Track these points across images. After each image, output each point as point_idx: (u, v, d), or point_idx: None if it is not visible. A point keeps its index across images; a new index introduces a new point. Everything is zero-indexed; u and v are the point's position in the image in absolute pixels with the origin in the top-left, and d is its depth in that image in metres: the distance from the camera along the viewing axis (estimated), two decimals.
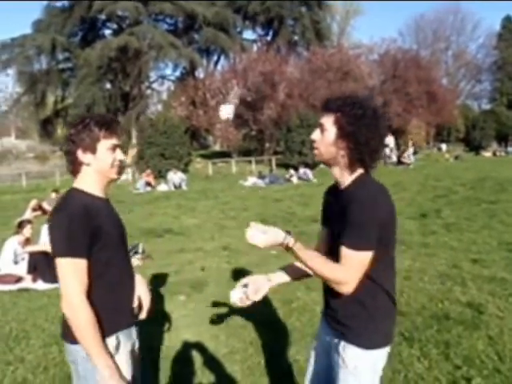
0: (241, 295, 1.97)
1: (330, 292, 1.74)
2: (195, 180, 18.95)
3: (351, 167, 1.73)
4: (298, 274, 2.09)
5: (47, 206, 11.67)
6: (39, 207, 11.71)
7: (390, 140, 25.75)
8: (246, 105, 26.10)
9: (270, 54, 26.72)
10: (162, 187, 16.97)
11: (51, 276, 5.46)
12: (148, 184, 17.02)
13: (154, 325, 3.99)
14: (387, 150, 25.64)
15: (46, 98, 32.91)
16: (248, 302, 1.97)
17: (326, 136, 1.71)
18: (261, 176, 17.85)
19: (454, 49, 46.63)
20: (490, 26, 62.13)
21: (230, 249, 6.88)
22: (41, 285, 5.49)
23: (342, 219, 1.65)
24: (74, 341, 1.67)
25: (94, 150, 1.73)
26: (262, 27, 36.91)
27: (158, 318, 4.18)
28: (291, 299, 4.49)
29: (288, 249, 1.66)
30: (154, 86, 36.79)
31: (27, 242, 6.23)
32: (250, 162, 23.98)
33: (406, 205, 10.13)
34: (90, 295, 1.67)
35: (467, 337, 3.49)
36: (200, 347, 3.57)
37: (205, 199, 13.26)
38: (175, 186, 16.90)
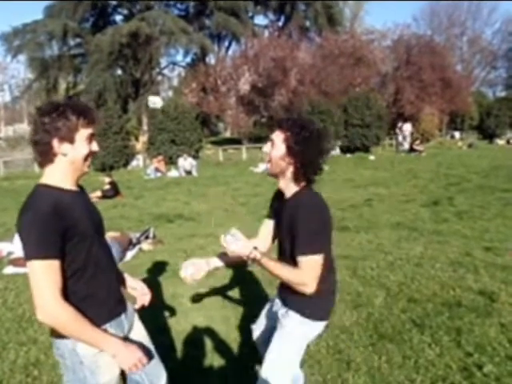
0: (193, 271, 2.21)
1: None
2: (206, 166, 18.96)
3: (296, 181, 2.00)
4: (230, 262, 2.38)
5: None
6: None
7: (407, 127, 25.48)
8: (257, 91, 25.94)
9: (282, 39, 26.46)
10: (173, 173, 17.01)
11: None
12: (158, 170, 17.06)
13: (166, 308, 4.04)
14: (400, 137, 25.41)
15: (57, 84, 33.03)
16: (193, 280, 2.22)
17: (276, 151, 1.97)
18: None
19: (469, 34, 45.79)
20: (507, 10, 60.92)
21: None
22: None
23: (291, 227, 1.93)
24: (59, 335, 1.66)
25: (72, 140, 1.62)
26: (274, 12, 36.53)
27: (169, 301, 4.22)
28: None
29: (254, 261, 1.91)
30: (165, 72, 36.82)
31: None
32: (260, 148, 23.85)
33: (418, 192, 10.04)
34: (70, 292, 1.62)
35: (479, 324, 3.46)
36: (211, 330, 3.59)
37: (215, 185, 13.27)
38: (186, 172, 16.93)
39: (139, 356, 1.67)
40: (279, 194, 2.16)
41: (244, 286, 4.57)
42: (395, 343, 3.25)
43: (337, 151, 22.91)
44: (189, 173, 16.94)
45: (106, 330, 1.70)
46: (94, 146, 1.72)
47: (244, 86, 26.57)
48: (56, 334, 1.67)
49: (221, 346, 3.34)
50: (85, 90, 31.07)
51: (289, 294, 2.05)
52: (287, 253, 2.01)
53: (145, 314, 3.68)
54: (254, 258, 1.90)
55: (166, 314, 3.93)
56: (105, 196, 11.34)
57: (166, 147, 20.28)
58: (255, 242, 2.07)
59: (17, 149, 38.47)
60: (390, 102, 28.79)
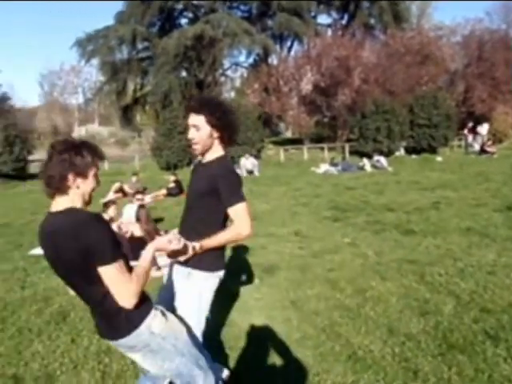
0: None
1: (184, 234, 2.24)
2: (267, 166, 19.05)
3: (223, 149, 2.39)
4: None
5: (128, 189, 12.39)
6: (121, 190, 12.47)
7: (483, 128, 24.15)
8: (320, 91, 25.65)
9: (346, 38, 25.96)
10: None
11: (132, 254, 5.76)
12: None
13: (229, 306, 4.09)
14: (469, 138, 24.16)
15: (126, 86, 34.56)
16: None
17: (202, 133, 2.29)
18: (333, 163, 17.55)
19: None
20: None
21: (302, 235, 6.86)
22: None
23: (204, 184, 2.30)
24: (134, 325, 1.83)
25: (86, 176, 1.83)
26: (337, 11, 35.92)
27: (232, 300, 4.27)
28: (365, 288, 4.38)
29: (200, 250, 2.21)
30: (228, 73, 37.34)
31: (111, 221, 6.62)
32: (322, 148, 23.65)
33: (490, 196, 9.48)
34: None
35: None
36: (272, 331, 3.59)
37: (277, 185, 13.30)
38: (248, 172, 17.10)
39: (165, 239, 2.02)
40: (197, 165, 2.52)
41: (305, 287, 4.54)
42: (466, 355, 3.08)
43: (401, 152, 22.17)
44: (251, 172, 17.11)
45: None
46: (98, 183, 1.94)
47: (306, 86, 26.37)
48: (126, 329, 1.82)
49: (282, 347, 3.33)
50: (151, 92, 32.28)
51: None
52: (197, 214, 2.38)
53: (211, 309, 3.76)
54: (194, 248, 2.18)
55: (229, 311, 3.98)
56: (170, 194, 11.73)
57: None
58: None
59: None
60: (460, 100, 27.41)
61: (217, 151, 2.39)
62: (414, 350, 3.18)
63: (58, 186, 1.79)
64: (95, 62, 34.00)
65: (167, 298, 2.44)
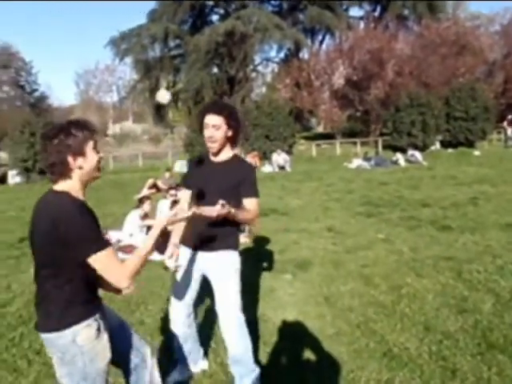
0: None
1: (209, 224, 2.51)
2: (299, 162, 18.96)
3: (232, 148, 2.67)
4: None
5: (162, 185, 12.56)
6: (154, 185, 12.66)
7: None
8: (352, 85, 25.31)
9: (378, 30, 25.49)
10: (267, 168, 17.26)
11: (166, 248, 5.86)
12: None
13: (263, 301, 4.11)
14: (509, 131, 23.33)
15: (159, 83, 35.05)
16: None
17: (220, 132, 2.55)
18: (366, 158, 17.30)
19: None
20: None
21: (335, 230, 6.80)
22: (156, 256, 5.89)
23: (232, 180, 2.56)
24: (63, 325, 1.77)
25: (83, 153, 1.80)
26: (370, 3, 35.24)
27: (267, 295, 4.29)
28: (401, 285, 4.31)
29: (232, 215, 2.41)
30: (259, 68, 37.30)
31: (146, 216, 6.76)
32: (354, 143, 23.35)
33: None
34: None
35: None
36: (305, 326, 3.58)
37: (309, 181, 13.22)
38: (279, 168, 17.08)
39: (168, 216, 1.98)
40: (202, 161, 2.75)
41: (338, 282, 4.50)
42: (507, 355, 2.99)
43: (437, 146, 21.62)
44: (282, 168, 17.08)
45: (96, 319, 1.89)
46: (100, 153, 1.89)
47: (338, 80, 26.06)
48: (51, 326, 1.78)
49: (315, 343, 3.32)
50: (183, 89, 32.66)
51: (217, 240, 2.60)
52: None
53: (245, 304, 3.78)
54: (229, 212, 2.36)
55: (263, 307, 3.99)
56: None
57: (260, 143, 20.60)
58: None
59: (123, 145, 41.56)
60: (499, 92, 26.51)
61: (228, 150, 2.67)
62: (451, 348, 3.11)
63: (61, 172, 1.79)
64: (129, 60, 34.69)
65: (190, 289, 2.78)
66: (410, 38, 28.62)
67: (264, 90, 39.04)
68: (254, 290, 4.40)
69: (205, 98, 28.21)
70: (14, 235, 7.61)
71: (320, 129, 36.26)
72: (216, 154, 2.65)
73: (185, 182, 2.90)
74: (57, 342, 1.79)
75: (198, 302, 3.07)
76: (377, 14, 34.30)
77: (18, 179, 18.69)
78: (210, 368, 3.05)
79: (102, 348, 1.88)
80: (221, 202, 2.32)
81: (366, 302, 3.96)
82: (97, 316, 1.88)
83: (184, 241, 2.75)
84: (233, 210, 2.40)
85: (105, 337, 1.90)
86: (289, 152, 19.94)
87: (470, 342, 3.18)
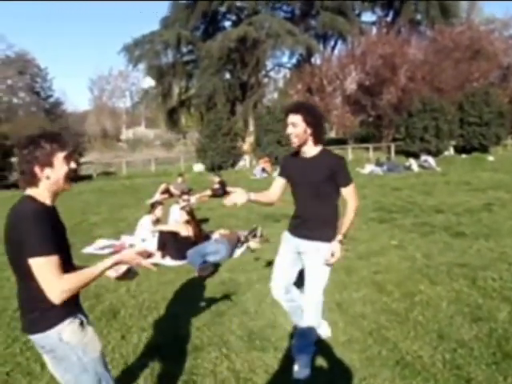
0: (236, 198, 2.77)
1: (310, 220, 2.97)
2: None
3: (315, 144, 2.88)
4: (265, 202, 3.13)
5: (174, 190, 12.65)
6: (167, 191, 12.75)
7: None
8: (364, 90, 25.24)
9: (391, 35, 25.41)
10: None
11: (178, 253, 5.88)
12: (264, 170, 17.41)
13: (272, 308, 4.09)
14: None
15: (171, 89, 35.32)
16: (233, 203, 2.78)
17: (298, 129, 2.80)
18: (379, 163, 17.19)
19: None
20: None
21: (348, 236, 6.74)
22: (169, 261, 5.93)
23: (323, 172, 2.82)
24: (45, 326, 1.82)
25: (51, 164, 1.86)
26: (382, 8, 35.18)
27: (276, 301, 4.25)
28: (414, 292, 4.26)
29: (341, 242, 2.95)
30: (271, 74, 37.42)
31: (158, 221, 6.79)
32: (367, 149, 23.26)
33: None
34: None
35: None
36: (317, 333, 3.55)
37: None
38: None
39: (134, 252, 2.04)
40: (293, 156, 3.02)
41: (351, 289, 4.47)
42: None
43: (450, 151, 21.43)
44: None
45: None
46: (72, 165, 1.95)
47: (350, 86, 26.02)
48: (40, 326, 1.83)
49: (327, 350, 3.29)
50: (196, 94, 32.86)
51: (316, 230, 2.93)
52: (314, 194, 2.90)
53: (257, 310, 3.76)
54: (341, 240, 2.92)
55: (274, 313, 3.97)
56: (214, 195, 11.85)
57: (271, 148, 20.62)
58: (268, 194, 3.12)
59: (136, 150, 41.89)
60: None
61: (314, 146, 2.90)
62: (466, 357, 3.07)
63: (29, 180, 1.87)
64: (142, 66, 34.99)
65: (289, 275, 3.13)
66: (422, 43, 28.49)
67: (276, 95, 39.13)
68: (265, 295, 4.39)
69: (217, 104, 28.32)
70: None
71: (332, 134, 36.17)
72: (302, 150, 2.92)
73: (280, 173, 3.16)
74: (44, 342, 1.87)
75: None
76: (389, 18, 34.20)
77: None
78: (221, 374, 3.05)
79: (90, 340, 1.95)
80: (239, 191, 2.74)
81: (378, 309, 3.93)
82: (77, 314, 1.94)
83: (290, 228, 3.13)
84: (340, 238, 2.91)
85: (89, 329, 1.97)
86: None
87: (485, 350, 3.14)
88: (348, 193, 2.90)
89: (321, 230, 2.92)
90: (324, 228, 2.93)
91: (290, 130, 2.85)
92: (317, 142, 2.89)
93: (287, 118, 2.86)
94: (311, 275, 2.96)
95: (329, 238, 2.91)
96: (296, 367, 3.02)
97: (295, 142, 2.86)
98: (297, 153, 3.01)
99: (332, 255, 2.87)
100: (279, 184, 3.15)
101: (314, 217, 2.94)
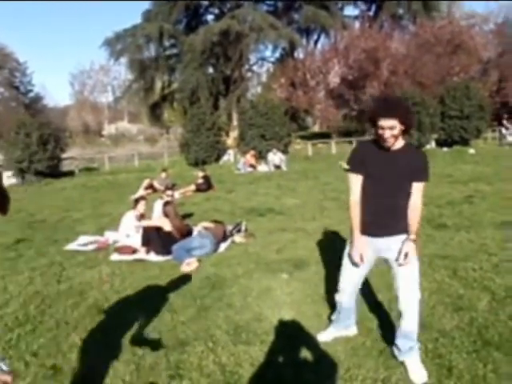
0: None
1: (391, 214, 2.85)
2: (295, 161, 18.98)
3: (403, 137, 2.81)
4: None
5: (158, 185, 12.57)
6: (151, 186, 12.66)
7: None
8: (347, 84, 25.38)
9: (373, 29, 25.61)
10: (263, 168, 17.26)
11: (163, 249, 5.87)
12: (250, 165, 17.41)
13: (258, 301, 4.11)
14: (503, 130, 23.48)
15: (154, 83, 35.02)
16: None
17: (396, 131, 2.68)
18: None
19: None
20: None
21: (332, 229, 6.81)
22: (153, 257, 5.90)
23: (408, 166, 2.75)
24: None
25: None
26: (365, 2, 35.37)
27: (263, 294, 4.29)
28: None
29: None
30: (254, 68, 37.36)
31: (142, 217, 6.75)
32: (350, 142, 23.40)
33: None
34: None
35: None
36: (302, 325, 3.59)
37: (305, 180, 13.24)
38: (275, 167, 17.09)
39: None
40: (375, 148, 2.83)
41: (335, 282, 4.51)
42: (503, 352, 3.01)
43: (432, 145, 21.71)
44: (278, 167, 17.09)
45: None
46: None
47: (334, 79, 26.15)
48: None
49: (312, 342, 3.33)
50: (179, 89, 32.65)
51: (401, 225, 2.85)
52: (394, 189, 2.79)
53: (242, 304, 3.76)
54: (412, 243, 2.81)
55: (260, 306, 4.00)
56: (199, 189, 11.83)
57: (255, 142, 20.61)
58: (356, 204, 2.90)
59: (119, 145, 41.45)
60: (493, 90, 26.64)
61: (401, 140, 2.81)
62: (447, 346, 3.13)
63: None
64: (124, 60, 34.61)
65: (363, 270, 3.10)
66: (404, 38, 28.76)
67: (259, 89, 39.09)
68: (250, 289, 4.41)
69: (200, 98, 28.18)
70: (10, 237, 7.58)
71: (316, 128, 36.35)
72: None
73: (358, 169, 2.90)
74: None
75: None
76: (372, 13, 34.39)
77: (13, 180, 18.61)
78: (207, 368, 3.06)
79: None
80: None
81: (362, 301, 3.97)
82: None
83: (362, 229, 2.95)
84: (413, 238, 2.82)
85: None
86: (284, 151, 19.96)
87: (466, 339, 3.21)
88: (420, 189, 2.82)
89: (402, 222, 2.84)
90: (404, 221, 2.84)
91: (387, 134, 2.68)
92: (404, 135, 2.82)
93: (380, 121, 2.67)
94: (405, 272, 2.84)
95: (408, 231, 2.85)
96: (412, 375, 2.83)
97: (391, 142, 2.72)
98: (373, 144, 2.84)
99: (405, 255, 2.77)
100: (360, 182, 2.91)
101: (393, 212, 2.83)
